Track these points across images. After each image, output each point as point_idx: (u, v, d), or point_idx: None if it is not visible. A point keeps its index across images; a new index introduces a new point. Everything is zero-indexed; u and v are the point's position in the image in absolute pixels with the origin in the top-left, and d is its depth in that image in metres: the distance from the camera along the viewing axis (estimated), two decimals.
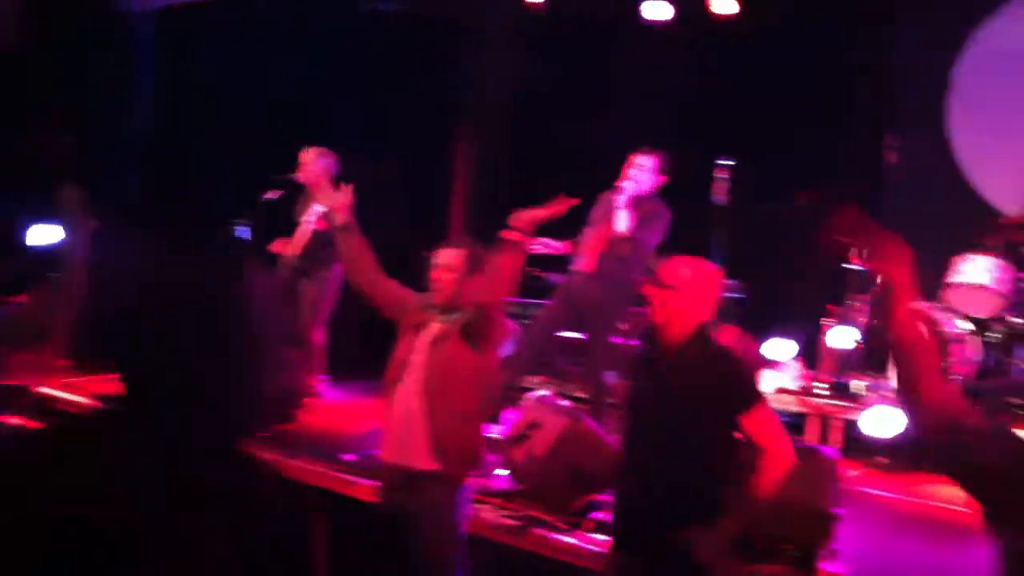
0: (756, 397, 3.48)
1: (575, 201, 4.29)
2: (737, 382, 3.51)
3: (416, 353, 4.11)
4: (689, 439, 3.38)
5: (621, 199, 6.23)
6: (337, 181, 7.34)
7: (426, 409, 4.00)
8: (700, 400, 3.40)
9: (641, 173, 6.36)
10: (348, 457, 5.72)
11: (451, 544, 4.05)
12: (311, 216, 7.28)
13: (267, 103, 8.99)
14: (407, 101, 9.51)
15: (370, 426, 6.68)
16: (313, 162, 7.38)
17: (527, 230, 4.03)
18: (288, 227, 7.49)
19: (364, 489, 5.31)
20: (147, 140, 8.95)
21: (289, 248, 7.36)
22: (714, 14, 8.11)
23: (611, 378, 5.96)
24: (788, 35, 8.30)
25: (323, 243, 7.26)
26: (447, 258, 4.18)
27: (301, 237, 7.34)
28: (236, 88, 9.04)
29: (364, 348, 9.04)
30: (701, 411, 3.40)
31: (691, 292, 3.52)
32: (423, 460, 4.00)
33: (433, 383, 4.02)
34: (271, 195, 7.40)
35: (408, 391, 4.08)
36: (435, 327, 4.13)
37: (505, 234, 4.02)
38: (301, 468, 5.58)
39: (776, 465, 3.43)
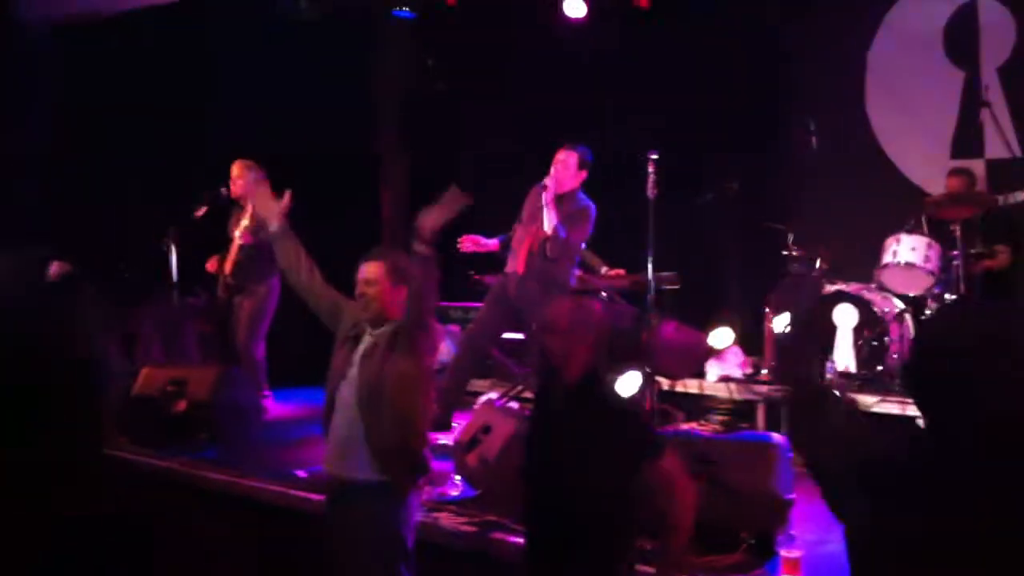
0: (660, 447, 3.44)
1: (468, 200, 4.19)
2: (639, 433, 3.51)
3: (351, 366, 4.07)
4: (580, 483, 3.37)
5: (544, 197, 6.28)
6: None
7: (363, 421, 3.97)
8: (593, 446, 3.38)
9: (563, 170, 6.40)
10: (300, 473, 5.65)
11: (395, 555, 4.00)
12: (240, 231, 7.18)
13: (177, 117, 8.83)
14: (326, 107, 9.44)
15: (318, 440, 6.64)
16: (241, 176, 7.29)
17: (431, 240, 3.96)
18: (220, 244, 7.39)
19: (316, 505, 5.26)
20: (42, 156, 8.70)
21: (224, 265, 7.26)
22: (633, 7, 8.18)
23: None
24: (707, 25, 8.39)
25: (255, 258, 7.18)
26: (369, 272, 4.11)
27: (233, 253, 7.25)
28: (145, 103, 8.88)
29: (304, 359, 9.02)
30: (591, 457, 3.37)
31: (572, 334, 3.46)
32: (364, 471, 3.96)
33: (367, 395, 3.98)
34: (199, 212, 7.30)
35: (344, 404, 4.05)
36: (367, 340, 4.09)
37: (414, 247, 3.96)
38: (254, 487, 5.50)
39: (686, 506, 3.44)
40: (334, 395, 4.11)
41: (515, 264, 6.50)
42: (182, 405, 6.42)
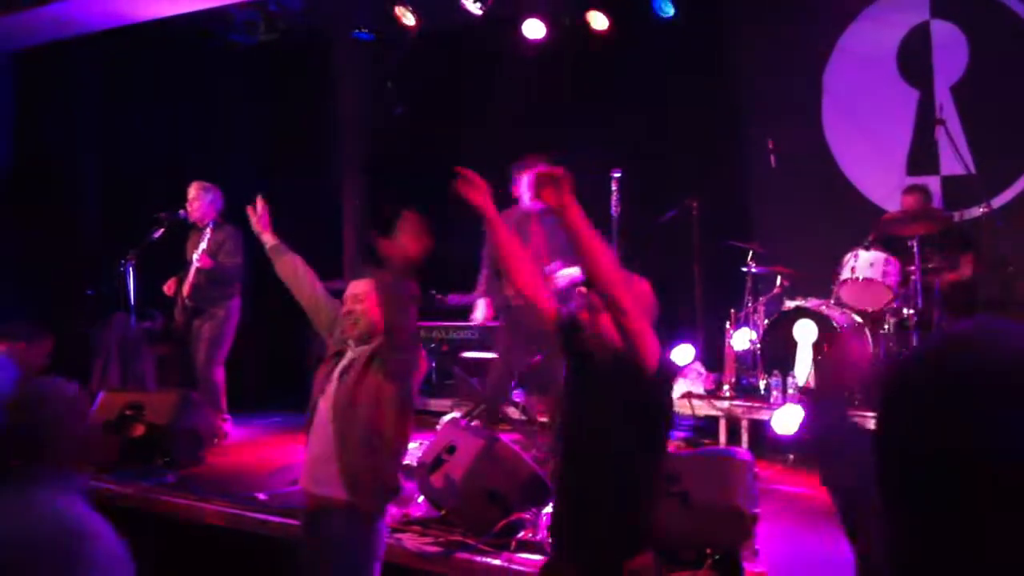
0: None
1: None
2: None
3: (330, 382, 4.03)
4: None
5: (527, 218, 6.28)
6: (224, 214, 7.26)
7: (335, 438, 3.91)
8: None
9: (525, 192, 6.40)
10: (261, 496, 5.57)
11: None
12: (198, 254, 7.10)
13: (138, 141, 8.75)
14: (286, 130, 9.41)
15: (278, 463, 6.56)
16: (198, 198, 7.23)
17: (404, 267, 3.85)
18: (177, 266, 7.31)
19: (275, 527, 5.19)
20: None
21: (182, 288, 7.19)
22: (590, 30, 8.23)
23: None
24: (665, 46, 8.46)
25: (214, 281, 7.11)
26: (358, 288, 4.08)
27: (191, 276, 7.17)
28: (104, 127, 8.80)
29: (262, 383, 8.96)
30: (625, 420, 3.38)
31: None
32: (335, 490, 3.89)
33: (340, 412, 3.92)
34: (156, 234, 7.22)
35: (321, 420, 3.99)
36: (348, 356, 4.05)
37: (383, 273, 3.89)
38: (214, 511, 5.42)
39: None
40: (313, 410, 4.04)
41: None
42: (140, 429, 6.32)
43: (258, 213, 4.54)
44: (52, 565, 1.97)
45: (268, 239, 4.48)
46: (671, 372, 3.57)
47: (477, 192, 3.62)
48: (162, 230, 7.29)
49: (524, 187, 6.44)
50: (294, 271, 4.38)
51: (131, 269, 7.21)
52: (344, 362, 4.03)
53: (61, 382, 2.36)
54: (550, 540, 3.73)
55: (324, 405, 3.99)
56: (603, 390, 3.43)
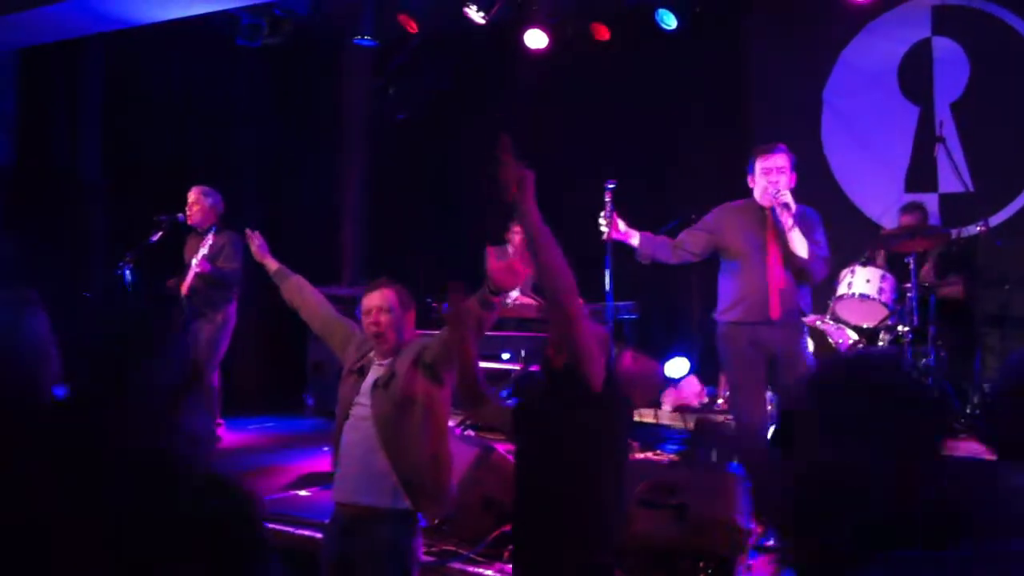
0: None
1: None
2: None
3: (360, 395, 3.95)
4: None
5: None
6: (225, 218, 7.26)
7: (387, 450, 3.83)
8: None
9: None
10: None
11: None
12: (197, 258, 7.10)
13: (140, 142, 8.75)
14: (289, 133, 9.42)
15: (271, 468, 6.56)
16: (198, 202, 7.23)
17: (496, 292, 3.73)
18: (176, 269, 7.31)
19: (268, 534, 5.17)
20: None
21: (180, 289, 7.18)
22: (592, 41, 8.26)
23: None
24: (666, 58, 8.49)
25: (212, 286, 7.11)
26: (383, 300, 3.96)
27: (189, 279, 7.17)
28: (107, 126, 8.79)
29: (257, 387, 8.95)
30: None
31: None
32: (384, 499, 3.83)
33: (390, 423, 3.84)
34: (154, 237, 7.21)
35: (358, 435, 3.90)
36: (376, 369, 3.97)
37: (485, 295, 3.72)
38: None
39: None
40: (342, 426, 3.98)
41: None
42: None
43: (255, 244, 4.56)
44: None
45: (270, 264, 4.48)
46: (620, 394, 3.52)
47: (523, 181, 3.32)
48: (161, 233, 7.27)
49: None
50: (300, 293, 4.35)
51: (128, 272, 7.20)
52: (378, 373, 3.96)
53: None
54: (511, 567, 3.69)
55: (359, 421, 3.93)
56: (550, 407, 3.44)
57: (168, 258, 7.30)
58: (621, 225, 5.52)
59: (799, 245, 5.16)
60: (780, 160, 5.29)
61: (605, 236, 5.54)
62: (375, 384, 3.92)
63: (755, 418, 5.23)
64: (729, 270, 5.48)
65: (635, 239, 5.53)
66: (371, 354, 4.02)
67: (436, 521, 4.04)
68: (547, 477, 3.37)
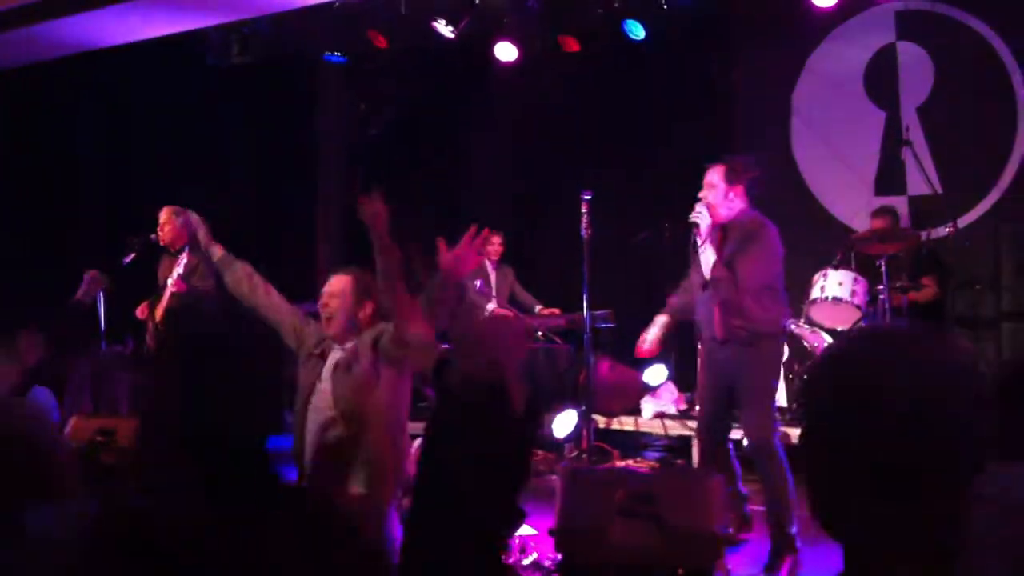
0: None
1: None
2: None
3: (320, 381, 3.97)
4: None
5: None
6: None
7: (348, 434, 3.85)
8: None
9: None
10: None
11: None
12: (173, 278, 7.07)
13: (115, 165, 8.74)
14: (263, 150, 9.42)
15: None
16: (168, 222, 7.20)
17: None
18: (149, 291, 7.27)
19: None
20: None
21: (155, 312, 7.14)
22: (563, 51, 8.29)
23: None
24: (635, 68, 8.53)
25: None
26: (334, 285, 4.04)
27: (165, 300, 7.13)
28: (75, 151, 8.79)
29: None
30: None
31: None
32: (353, 486, 3.83)
33: (347, 408, 3.87)
34: (127, 259, 7.18)
35: (320, 419, 3.93)
36: (336, 353, 3.99)
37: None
38: None
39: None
40: (304, 413, 3.98)
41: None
42: (111, 456, 6.26)
43: (202, 231, 4.49)
44: None
45: (216, 251, 4.37)
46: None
47: (378, 218, 3.80)
48: (133, 254, 7.24)
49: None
50: (249, 279, 4.24)
51: (102, 293, 7.16)
52: (336, 358, 3.98)
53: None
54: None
55: (320, 405, 3.95)
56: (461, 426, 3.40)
57: (141, 279, 7.27)
58: (647, 343, 5.55)
59: (704, 265, 5.07)
60: (710, 175, 5.19)
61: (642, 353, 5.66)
62: (336, 366, 3.95)
63: (712, 430, 5.20)
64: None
65: (663, 320, 5.53)
66: (328, 340, 4.04)
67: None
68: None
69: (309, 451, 3.97)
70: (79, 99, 8.55)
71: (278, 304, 4.23)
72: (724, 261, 5.00)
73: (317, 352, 4.06)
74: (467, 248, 3.80)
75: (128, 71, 8.43)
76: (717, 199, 5.13)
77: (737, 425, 5.26)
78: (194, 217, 4.59)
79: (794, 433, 6.44)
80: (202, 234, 4.50)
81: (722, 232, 5.13)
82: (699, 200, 5.10)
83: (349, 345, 3.99)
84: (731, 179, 5.16)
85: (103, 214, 8.30)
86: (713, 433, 5.20)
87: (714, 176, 5.15)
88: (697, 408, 5.83)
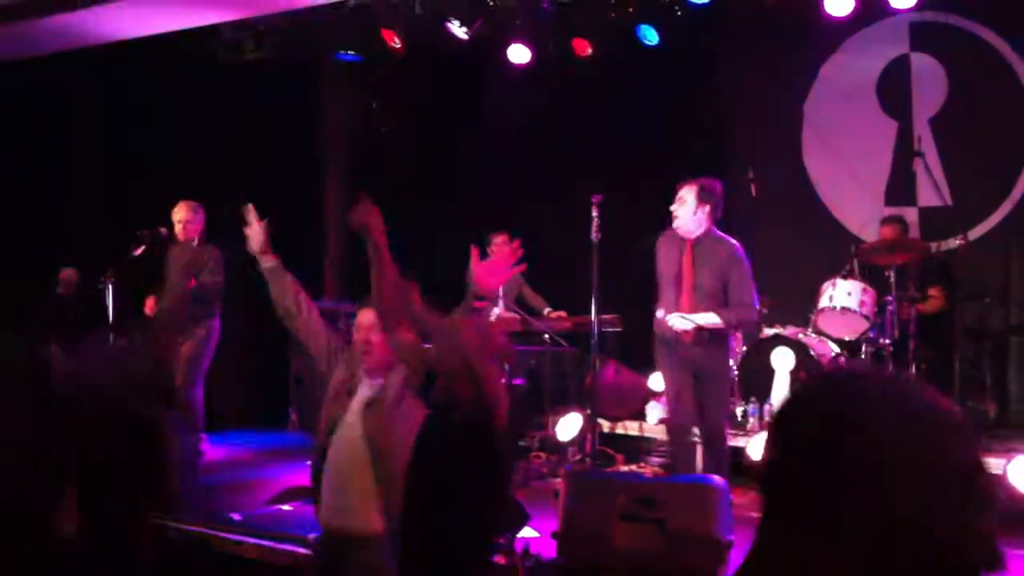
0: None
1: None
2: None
3: (348, 414, 3.93)
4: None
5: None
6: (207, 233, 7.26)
7: (375, 474, 3.81)
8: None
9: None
10: (236, 516, 5.55)
11: None
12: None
13: (126, 159, 8.75)
14: (274, 147, 9.42)
15: (253, 483, 6.54)
16: (184, 218, 7.22)
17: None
18: (158, 285, 7.28)
19: (250, 549, 5.16)
20: None
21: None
22: (575, 56, 8.29)
23: None
24: (648, 73, 8.52)
25: (195, 300, 7.08)
26: (367, 317, 3.90)
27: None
28: (85, 144, 8.80)
29: (239, 401, 8.93)
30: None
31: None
32: (374, 522, 3.80)
33: (379, 446, 3.81)
34: (136, 251, 7.19)
35: (344, 456, 3.89)
36: (366, 389, 3.95)
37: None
38: (192, 531, 5.40)
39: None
40: (326, 447, 3.94)
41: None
42: None
43: (259, 233, 4.21)
44: None
45: (268, 260, 4.18)
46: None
47: (373, 220, 3.69)
48: (142, 248, 7.25)
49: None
50: (295, 296, 4.14)
51: (110, 287, 7.17)
52: (366, 394, 3.94)
53: None
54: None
55: (346, 441, 3.91)
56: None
57: (150, 273, 7.28)
58: None
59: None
60: (683, 191, 5.74)
61: None
62: (367, 404, 3.90)
63: (685, 420, 5.75)
64: (661, 288, 5.92)
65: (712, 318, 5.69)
66: (360, 371, 4.00)
67: None
68: None
69: (332, 478, 3.94)
70: (79, 95, 8.55)
71: (317, 328, 4.17)
72: (712, 278, 5.62)
73: (345, 388, 4.01)
74: (500, 260, 3.73)
75: (130, 68, 8.43)
76: (686, 215, 5.65)
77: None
78: (261, 223, 4.26)
79: None
80: (263, 241, 4.23)
81: (692, 248, 5.69)
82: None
83: (379, 382, 3.93)
84: (702, 198, 5.65)
85: (100, 213, 8.32)
86: (683, 419, 5.76)
87: (684, 191, 5.51)
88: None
